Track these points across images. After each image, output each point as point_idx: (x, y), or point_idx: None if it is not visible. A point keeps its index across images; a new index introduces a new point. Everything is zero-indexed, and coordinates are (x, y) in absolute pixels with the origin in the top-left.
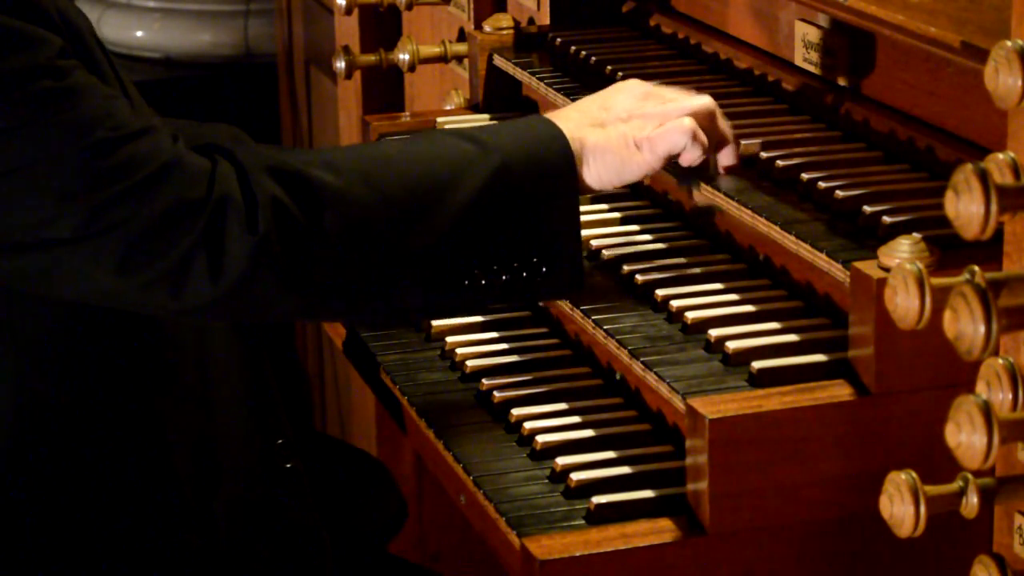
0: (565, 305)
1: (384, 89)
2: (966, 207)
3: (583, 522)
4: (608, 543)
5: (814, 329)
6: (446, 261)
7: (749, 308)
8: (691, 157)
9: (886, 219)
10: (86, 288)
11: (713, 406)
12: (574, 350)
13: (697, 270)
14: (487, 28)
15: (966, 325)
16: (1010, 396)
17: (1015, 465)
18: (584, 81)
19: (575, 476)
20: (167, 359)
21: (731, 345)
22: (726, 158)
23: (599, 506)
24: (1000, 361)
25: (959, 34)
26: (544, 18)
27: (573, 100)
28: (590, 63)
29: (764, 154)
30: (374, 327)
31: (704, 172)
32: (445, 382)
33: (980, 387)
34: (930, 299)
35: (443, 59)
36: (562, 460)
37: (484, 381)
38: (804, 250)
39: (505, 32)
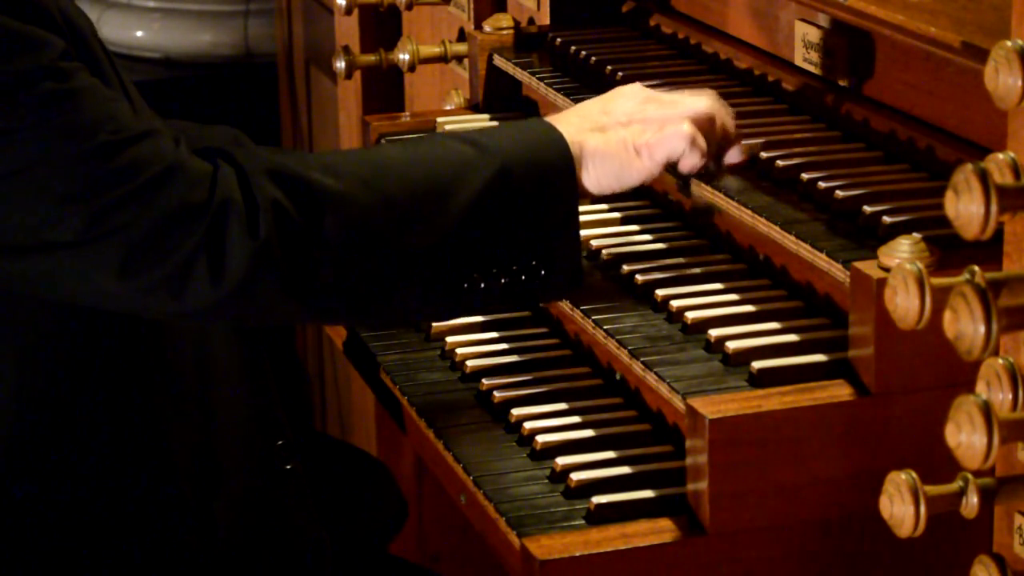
0: (565, 305)
1: (384, 89)
2: (966, 207)
3: (583, 522)
4: (608, 543)
5: (814, 329)
6: (445, 264)
7: (749, 308)
8: (690, 163)
9: (886, 219)
10: (87, 291)
11: (713, 406)
12: (574, 350)
13: (697, 270)
14: (487, 28)
15: (966, 325)
16: (1010, 396)
17: (1015, 465)
18: (584, 81)
19: (575, 476)
20: (167, 359)
21: (731, 345)
22: (732, 156)
23: (599, 506)
24: (1000, 361)
25: (959, 34)
26: (544, 18)
27: (573, 100)
28: (590, 63)
29: (764, 154)
30: (373, 328)
31: (705, 176)
32: (445, 382)
33: (980, 387)
34: (930, 299)
35: (443, 59)
36: (562, 460)
37: (484, 381)
38: (804, 250)
39: (505, 32)
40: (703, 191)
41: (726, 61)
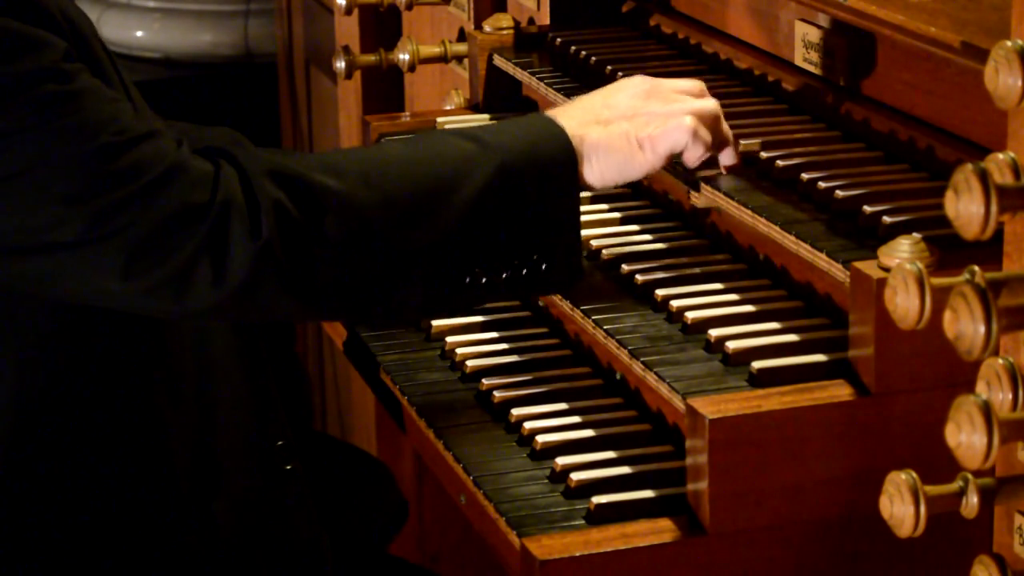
0: (565, 305)
1: (384, 89)
2: (966, 207)
3: (583, 522)
4: (608, 543)
5: (814, 329)
6: (447, 261)
7: (749, 308)
8: (694, 155)
9: (886, 219)
10: (89, 291)
11: (713, 406)
12: (574, 350)
13: (697, 270)
14: (487, 28)
15: (966, 325)
16: (1010, 396)
17: (1015, 465)
18: (584, 81)
19: (575, 476)
20: (167, 360)
21: (731, 345)
22: (726, 158)
23: (599, 506)
24: (1000, 361)
25: (959, 34)
26: (544, 18)
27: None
28: (590, 63)
29: (764, 154)
30: (373, 326)
31: (708, 171)
32: (445, 382)
33: (980, 387)
34: (930, 299)
35: (443, 59)
36: (562, 460)
37: (484, 381)
38: (804, 250)
39: (505, 32)
40: (704, 191)
41: (726, 61)
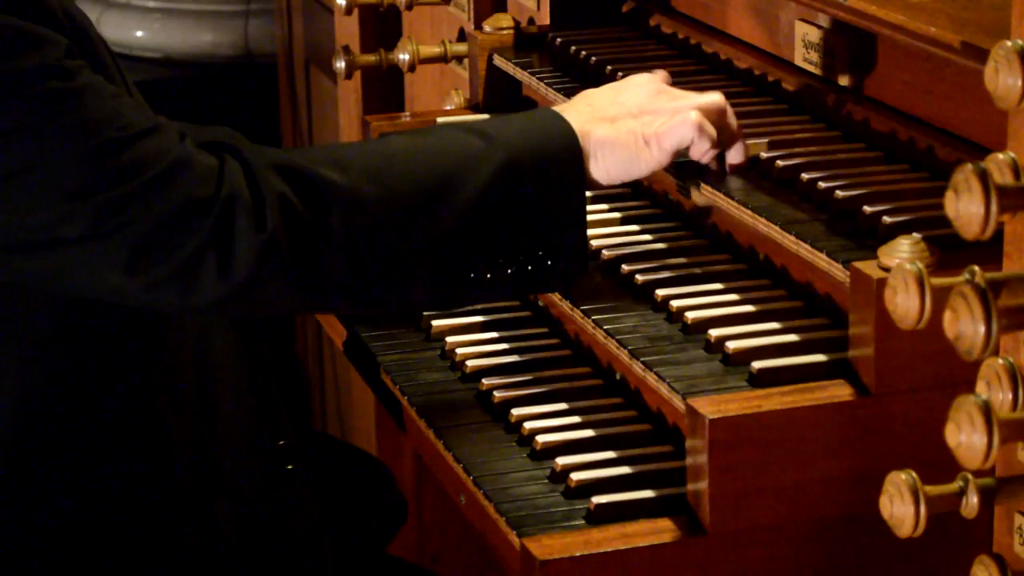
0: (565, 305)
1: (384, 89)
2: (966, 207)
3: (583, 522)
4: (608, 543)
5: (814, 329)
6: (452, 256)
7: (749, 308)
8: (700, 151)
9: (886, 219)
10: (95, 286)
11: (713, 406)
12: (574, 350)
13: (697, 270)
14: (487, 28)
15: (966, 325)
16: (1010, 396)
17: (1015, 465)
18: (584, 81)
19: (575, 476)
20: (167, 359)
21: (731, 345)
22: (734, 156)
23: (599, 506)
24: (1000, 361)
25: (959, 34)
26: (544, 18)
27: None
28: (590, 63)
29: (764, 154)
30: (375, 323)
31: (713, 169)
32: (445, 382)
33: (980, 387)
34: (930, 299)
35: (443, 59)
36: (562, 460)
37: (484, 381)
38: (804, 250)
39: (505, 32)
40: (703, 191)
41: (726, 61)
